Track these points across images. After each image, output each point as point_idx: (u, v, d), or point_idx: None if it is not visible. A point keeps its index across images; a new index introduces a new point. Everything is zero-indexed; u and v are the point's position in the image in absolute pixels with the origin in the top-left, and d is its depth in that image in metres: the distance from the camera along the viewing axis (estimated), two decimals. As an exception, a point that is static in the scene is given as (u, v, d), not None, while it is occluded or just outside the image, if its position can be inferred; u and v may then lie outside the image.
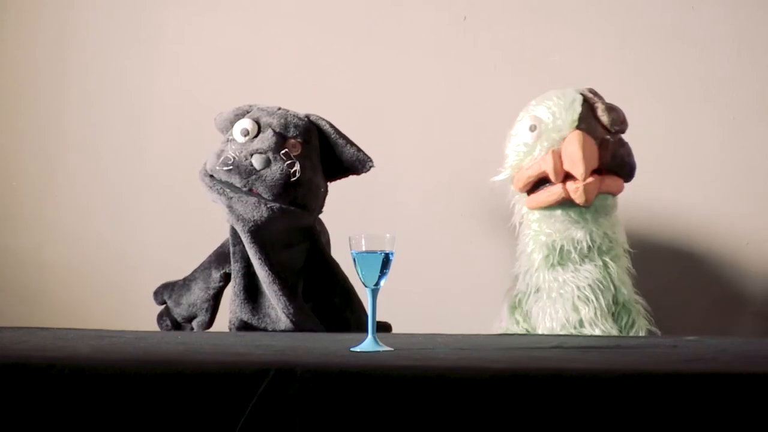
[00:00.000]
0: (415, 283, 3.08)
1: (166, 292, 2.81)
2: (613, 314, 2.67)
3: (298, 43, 3.24)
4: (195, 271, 2.79)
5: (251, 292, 2.67)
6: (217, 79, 3.25)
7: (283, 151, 2.64)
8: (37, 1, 3.32)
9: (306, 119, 2.73)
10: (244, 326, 2.68)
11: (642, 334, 2.67)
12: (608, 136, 2.65)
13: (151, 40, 3.30)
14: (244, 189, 2.62)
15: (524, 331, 2.71)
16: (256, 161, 2.62)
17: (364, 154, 2.72)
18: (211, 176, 2.67)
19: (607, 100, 2.70)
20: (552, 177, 2.62)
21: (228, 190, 2.63)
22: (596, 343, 2.35)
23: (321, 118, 2.74)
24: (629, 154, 2.68)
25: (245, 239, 2.62)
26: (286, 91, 3.17)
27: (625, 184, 2.70)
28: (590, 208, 2.64)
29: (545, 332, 2.66)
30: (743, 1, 3.12)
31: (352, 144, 2.73)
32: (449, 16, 3.20)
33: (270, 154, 2.62)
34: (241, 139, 2.67)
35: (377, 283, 2.12)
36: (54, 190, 3.30)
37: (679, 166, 3.11)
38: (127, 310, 3.19)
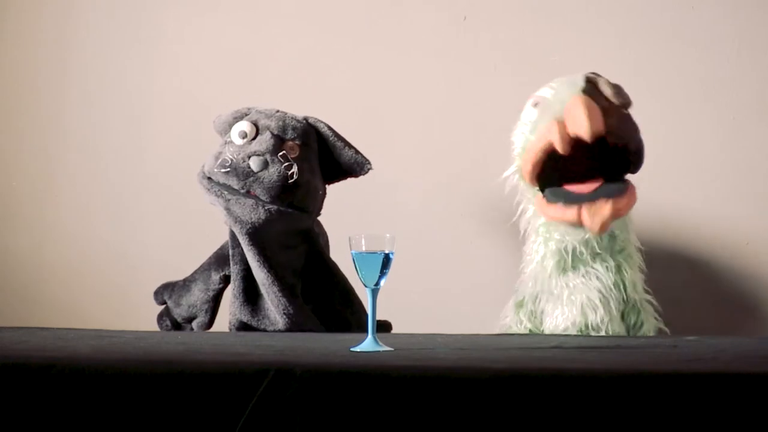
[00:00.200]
0: (415, 283, 3.08)
1: (166, 292, 2.81)
2: (622, 314, 2.66)
3: (299, 43, 3.24)
4: (195, 272, 2.79)
5: (250, 294, 2.67)
6: (217, 80, 3.25)
7: (280, 153, 2.63)
8: (37, 1, 3.32)
9: (304, 122, 2.72)
10: (243, 328, 2.68)
11: (652, 334, 2.67)
12: (613, 103, 2.59)
13: (151, 40, 3.30)
14: (242, 191, 2.62)
15: (527, 331, 2.71)
16: (254, 163, 2.62)
17: (363, 156, 2.72)
18: (209, 178, 2.67)
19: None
20: (558, 147, 2.51)
21: (226, 192, 2.63)
22: (596, 343, 2.35)
23: (319, 120, 2.74)
24: (636, 129, 2.59)
25: (243, 241, 2.62)
26: (286, 91, 3.17)
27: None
28: None
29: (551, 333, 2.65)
30: (743, 1, 3.12)
31: (351, 146, 2.73)
32: (449, 16, 3.20)
33: (268, 156, 2.62)
34: (239, 141, 2.67)
35: (377, 283, 2.12)
36: (54, 190, 3.30)
37: (679, 166, 3.11)
38: (127, 310, 3.19)
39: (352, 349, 2.10)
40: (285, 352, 2.07)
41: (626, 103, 2.61)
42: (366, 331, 2.14)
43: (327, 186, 2.76)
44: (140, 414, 1.74)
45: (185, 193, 3.14)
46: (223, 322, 2.74)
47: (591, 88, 2.59)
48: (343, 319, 2.72)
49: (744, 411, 1.67)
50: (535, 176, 2.60)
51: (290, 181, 2.62)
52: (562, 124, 2.52)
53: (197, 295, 2.76)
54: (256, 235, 2.61)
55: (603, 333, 2.60)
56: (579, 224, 2.56)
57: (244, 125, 2.69)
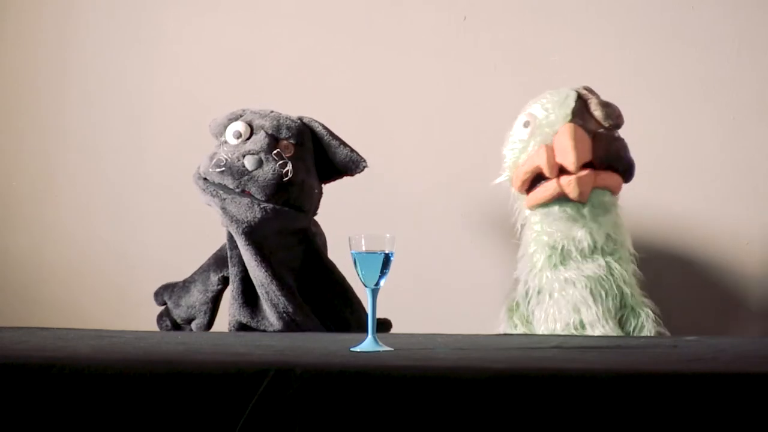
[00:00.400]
0: (415, 283, 3.08)
1: (166, 293, 2.81)
2: (620, 318, 2.66)
3: (299, 43, 3.24)
4: (194, 273, 2.79)
5: (249, 296, 2.67)
6: (217, 80, 3.25)
7: (275, 152, 2.63)
8: (37, 1, 3.32)
9: (299, 121, 2.72)
10: (242, 329, 2.68)
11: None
12: (602, 130, 2.64)
13: (151, 40, 3.30)
14: (237, 190, 2.62)
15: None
16: (249, 162, 2.62)
17: (357, 154, 2.72)
18: (205, 179, 2.67)
19: (607, 100, 2.70)
20: (546, 171, 2.61)
21: (221, 192, 2.63)
22: (596, 343, 2.35)
23: (314, 120, 2.74)
24: (624, 148, 2.67)
25: (240, 241, 2.62)
26: (286, 90, 3.17)
27: (624, 185, 2.70)
28: (587, 205, 2.63)
29: (546, 333, 2.65)
30: (743, 1, 3.12)
31: (345, 145, 2.73)
32: (449, 16, 3.20)
33: (262, 155, 2.62)
34: (233, 141, 2.67)
35: (377, 283, 2.12)
36: (54, 190, 3.30)
37: (679, 166, 3.11)
38: (127, 310, 3.19)
39: (352, 349, 2.09)
40: (285, 352, 2.07)
41: (617, 124, 2.66)
42: (366, 330, 2.14)
43: (324, 185, 2.76)
44: (140, 414, 1.74)
45: (185, 194, 3.12)
46: (223, 323, 2.74)
47: (581, 108, 2.64)
48: (343, 319, 2.72)
49: (744, 411, 1.67)
50: (525, 190, 2.70)
51: (285, 179, 2.62)
52: (550, 150, 2.61)
53: (196, 297, 2.76)
54: (252, 234, 2.61)
55: (597, 332, 2.61)
56: (561, 192, 2.60)
57: (239, 125, 2.69)
